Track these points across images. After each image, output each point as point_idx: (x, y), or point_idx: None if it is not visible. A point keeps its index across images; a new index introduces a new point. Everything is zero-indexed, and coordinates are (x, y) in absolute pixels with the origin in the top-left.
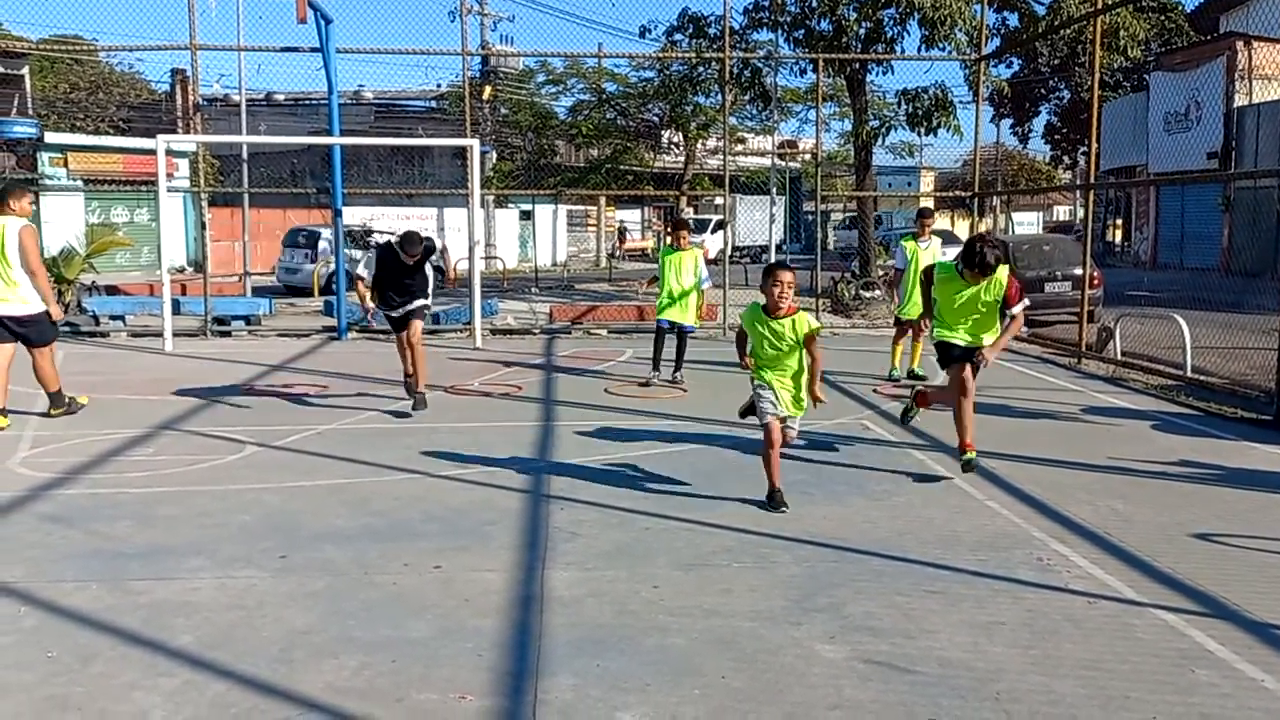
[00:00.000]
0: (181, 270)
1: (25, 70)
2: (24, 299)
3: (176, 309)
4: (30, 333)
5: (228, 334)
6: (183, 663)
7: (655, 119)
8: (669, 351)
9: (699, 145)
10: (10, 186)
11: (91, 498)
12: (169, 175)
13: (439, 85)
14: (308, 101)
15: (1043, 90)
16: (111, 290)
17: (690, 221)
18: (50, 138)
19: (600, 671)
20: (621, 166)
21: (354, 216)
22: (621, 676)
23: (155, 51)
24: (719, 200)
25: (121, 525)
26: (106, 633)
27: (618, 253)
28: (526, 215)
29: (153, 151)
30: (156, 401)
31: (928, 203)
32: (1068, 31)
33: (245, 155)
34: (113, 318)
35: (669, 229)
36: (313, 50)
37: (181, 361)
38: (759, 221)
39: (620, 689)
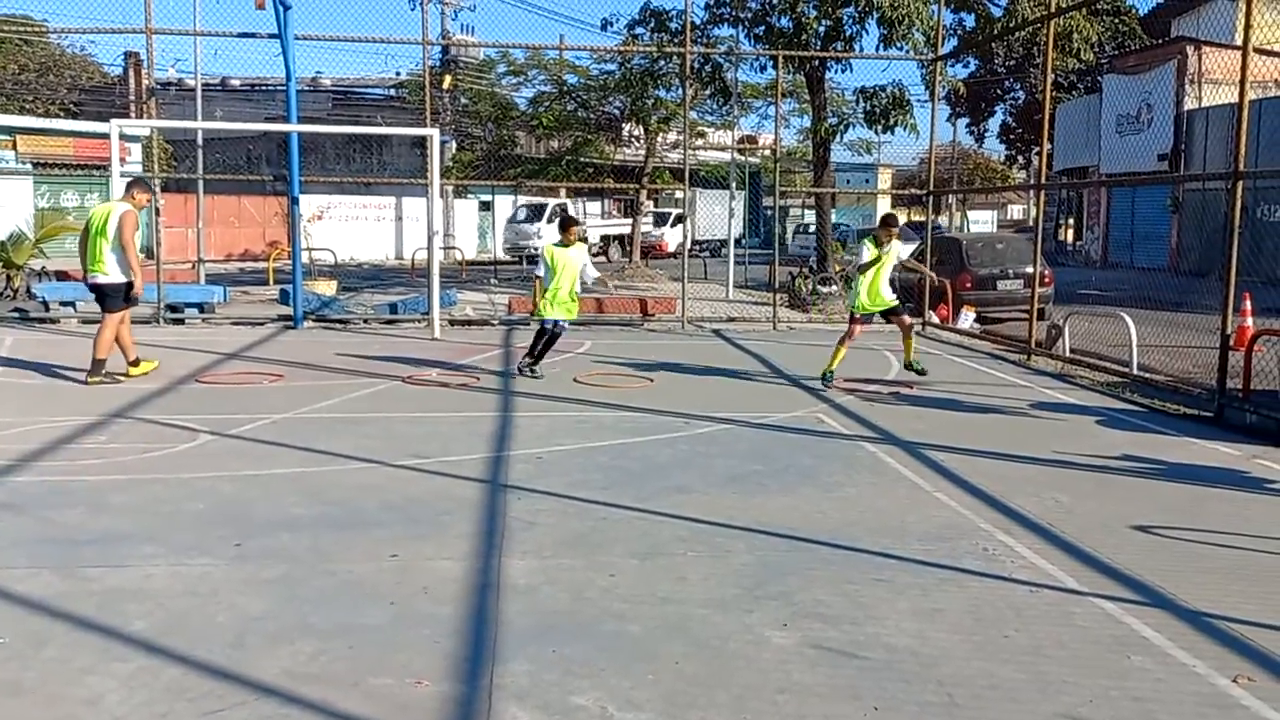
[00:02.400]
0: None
1: None
2: (106, 270)
3: None
4: (106, 299)
5: (181, 321)
6: (137, 648)
7: (616, 112)
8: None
9: (659, 139)
10: (136, 180)
11: (43, 485)
12: (121, 160)
13: (398, 73)
14: (264, 87)
15: (998, 91)
16: (61, 276)
17: (579, 218)
18: None
19: (555, 657)
20: (582, 159)
21: (310, 204)
22: (576, 662)
23: (109, 34)
24: (679, 194)
25: (74, 513)
26: (59, 619)
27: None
28: (486, 206)
29: (105, 136)
30: (108, 389)
31: (894, 209)
32: (1023, 33)
33: (200, 141)
34: (63, 304)
35: (560, 227)
36: (271, 36)
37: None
38: (718, 216)
39: (575, 674)
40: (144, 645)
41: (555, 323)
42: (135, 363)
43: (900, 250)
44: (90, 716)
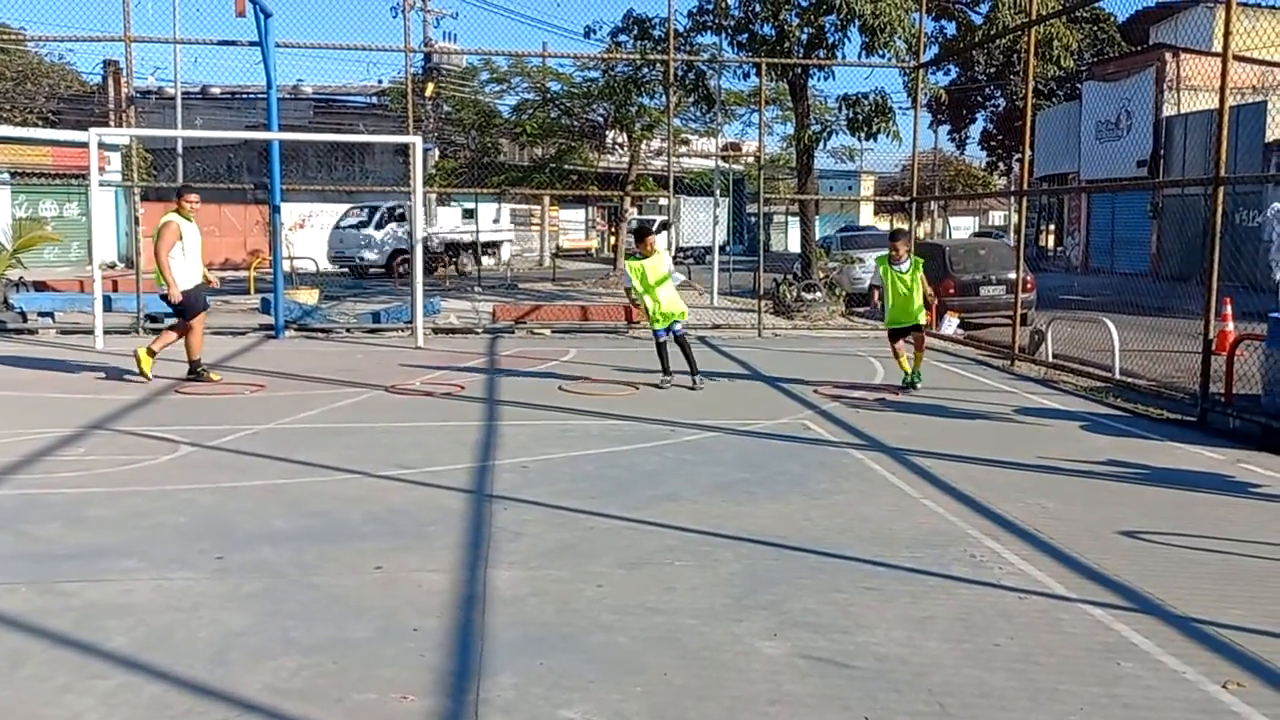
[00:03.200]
0: (113, 266)
1: None
2: (159, 281)
3: (108, 306)
4: (173, 310)
5: (160, 332)
6: (117, 665)
7: (600, 119)
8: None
9: (643, 146)
10: (182, 187)
11: (20, 498)
12: (100, 169)
13: (380, 81)
14: (245, 95)
15: (979, 98)
16: (40, 286)
17: (651, 228)
18: None
19: (543, 670)
20: (566, 166)
21: (292, 212)
22: (564, 675)
23: (88, 43)
24: (663, 201)
25: (52, 526)
26: (37, 635)
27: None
28: (469, 214)
29: (83, 144)
30: (87, 400)
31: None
32: (1003, 41)
33: (180, 149)
34: (41, 314)
35: (636, 238)
36: (251, 44)
37: (113, 360)
38: (702, 223)
39: (563, 687)
40: (124, 662)
41: (666, 331)
42: (150, 352)
43: (919, 262)
44: None
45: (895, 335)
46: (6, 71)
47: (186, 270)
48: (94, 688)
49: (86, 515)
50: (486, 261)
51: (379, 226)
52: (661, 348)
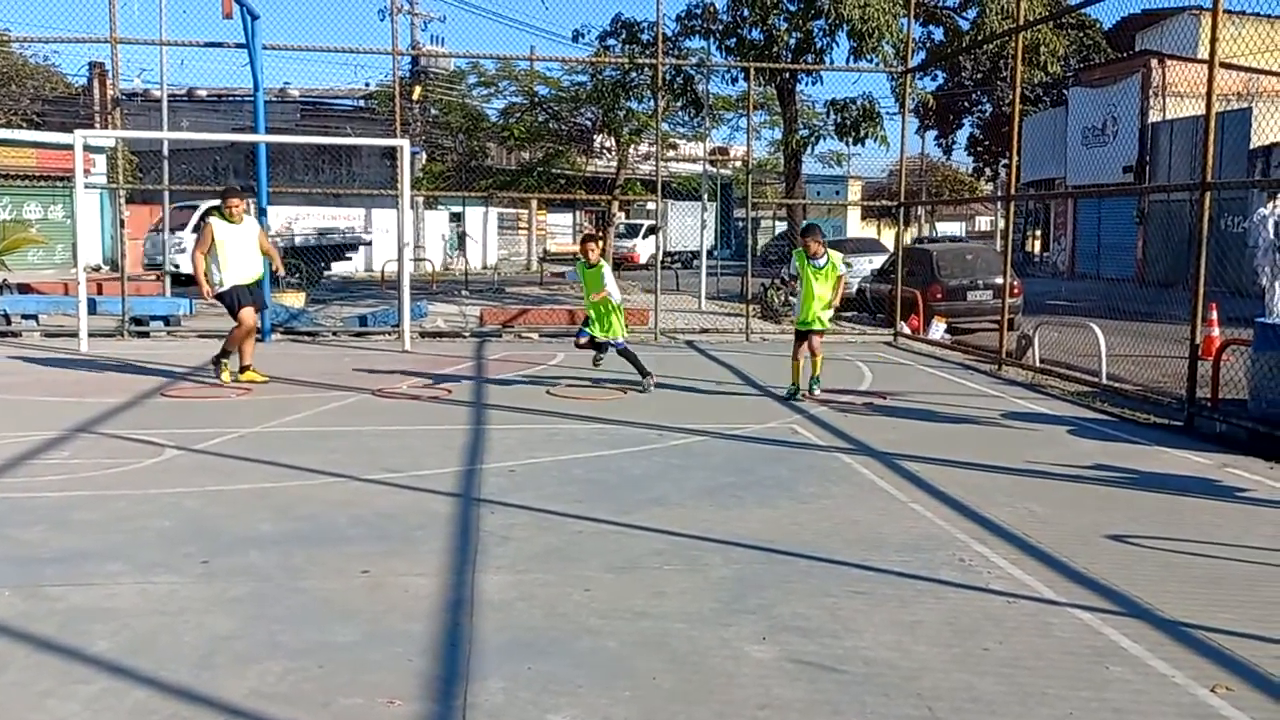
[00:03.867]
0: (97, 269)
1: None
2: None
3: (93, 308)
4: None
5: (146, 334)
6: (101, 669)
7: (588, 123)
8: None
9: (631, 150)
10: (225, 189)
11: (4, 502)
12: (86, 171)
13: (367, 84)
14: (231, 98)
15: (966, 103)
16: (24, 289)
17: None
18: None
19: (531, 674)
20: (554, 170)
21: (279, 216)
22: (552, 679)
23: (73, 44)
24: (651, 205)
25: (35, 530)
26: (19, 640)
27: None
28: (456, 217)
29: (69, 147)
30: (71, 403)
31: (864, 220)
32: (990, 46)
33: (166, 152)
34: (25, 317)
35: (582, 242)
36: (238, 46)
37: (97, 363)
38: (690, 227)
39: (551, 691)
40: (108, 666)
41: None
42: (224, 355)
43: (836, 263)
44: None
45: (803, 337)
46: None
47: (229, 271)
48: (77, 693)
49: (71, 519)
50: (342, 268)
51: (195, 231)
52: (627, 353)
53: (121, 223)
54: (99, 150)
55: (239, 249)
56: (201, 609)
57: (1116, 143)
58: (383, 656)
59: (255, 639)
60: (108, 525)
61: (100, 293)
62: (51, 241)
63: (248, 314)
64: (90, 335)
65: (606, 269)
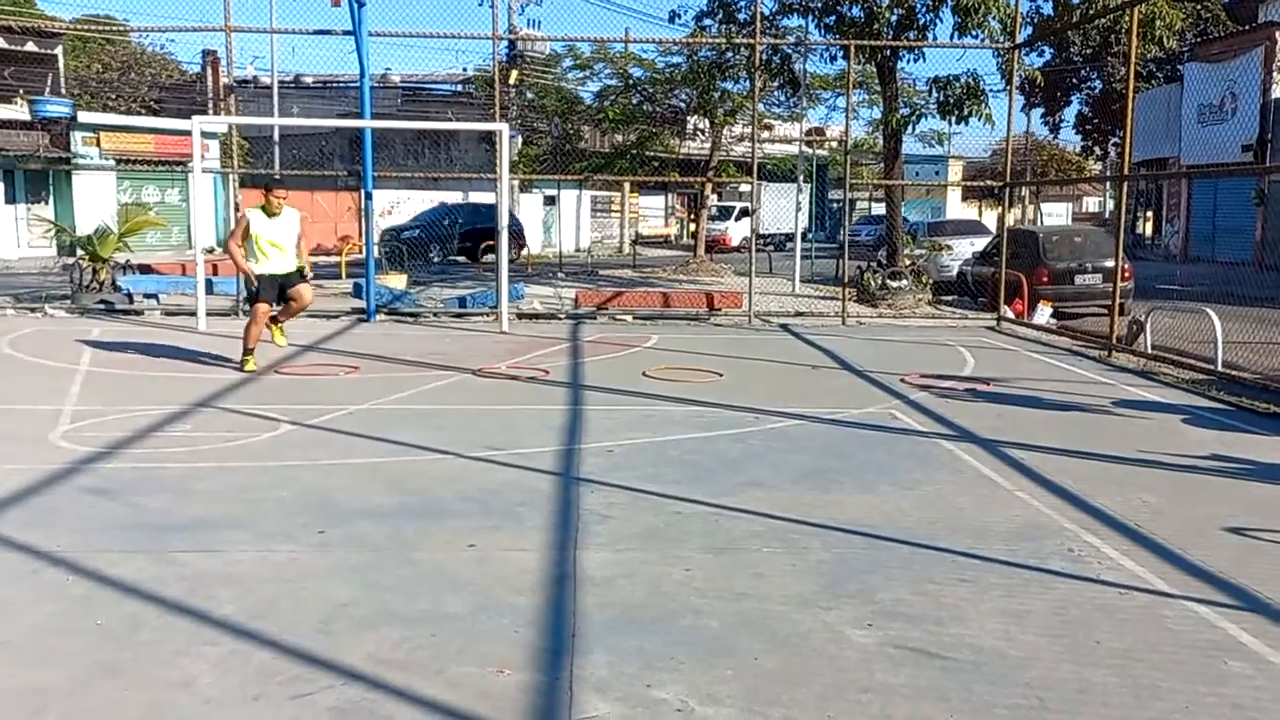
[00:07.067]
0: (211, 251)
1: (59, 50)
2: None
3: (209, 288)
4: None
5: None
6: (227, 632)
7: (682, 105)
8: None
9: (725, 132)
10: (269, 180)
11: (133, 471)
12: (201, 156)
13: (465, 69)
14: (335, 84)
15: (1074, 80)
16: (144, 269)
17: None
18: (83, 117)
19: (634, 650)
20: (647, 153)
21: (381, 199)
22: (655, 655)
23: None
24: (744, 187)
25: (162, 499)
26: (152, 602)
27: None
28: (551, 200)
29: (184, 132)
30: (191, 379)
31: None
32: (1102, 21)
33: (277, 137)
34: (146, 296)
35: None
36: (345, 33)
37: (215, 340)
38: (783, 209)
39: (654, 667)
40: (234, 629)
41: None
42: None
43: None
44: (184, 698)
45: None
46: (112, 62)
47: (261, 262)
48: (206, 654)
49: (194, 489)
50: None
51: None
52: None
53: (236, 206)
54: (212, 136)
55: (275, 240)
56: (320, 577)
57: (1235, 120)
58: (491, 627)
59: (371, 607)
60: (229, 495)
61: (215, 273)
62: (168, 224)
63: (262, 308)
64: (207, 314)
65: None
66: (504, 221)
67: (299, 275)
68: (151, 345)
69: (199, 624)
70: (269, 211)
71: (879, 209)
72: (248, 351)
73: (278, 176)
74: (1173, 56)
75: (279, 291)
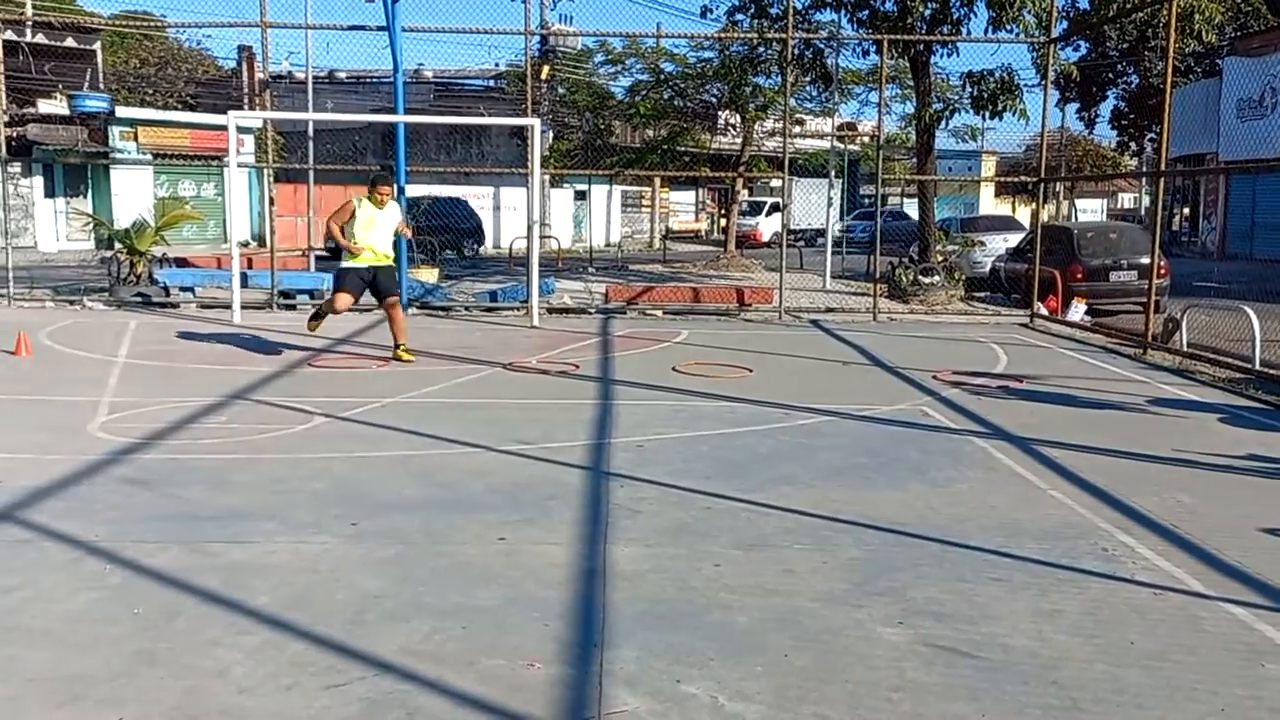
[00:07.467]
0: (246, 244)
1: (97, 45)
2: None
3: (244, 282)
4: None
5: (293, 307)
6: (261, 622)
7: (713, 100)
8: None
9: (756, 127)
10: (376, 176)
11: (168, 462)
12: (237, 151)
13: (497, 64)
14: (368, 79)
15: (1110, 74)
16: (181, 263)
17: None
18: (121, 112)
19: (664, 645)
20: (678, 148)
21: (412, 194)
22: (685, 651)
23: (223, 29)
24: (775, 183)
25: (197, 489)
26: (188, 592)
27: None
28: (581, 195)
29: (219, 127)
30: (226, 371)
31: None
32: (1140, 15)
33: (311, 132)
34: (182, 289)
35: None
36: (379, 29)
37: (249, 333)
38: (815, 204)
39: (684, 662)
40: (268, 619)
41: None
42: (398, 345)
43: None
44: (220, 687)
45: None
46: (149, 57)
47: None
48: (241, 643)
49: (229, 479)
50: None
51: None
52: None
53: (271, 200)
54: (247, 131)
55: (373, 231)
56: (352, 568)
57: (1276, 115)
58: (521, 620)
59: (402, 599)
60: (263, 486)
61: (250, 267)
62: (204, 218)
63: (343, 299)
64: (242, 307)
65: None
66: (535, 216)
67: (389, 273)
68: (187, 337)
69: (234, 614)
70: (376, 203)
71: (883, 205)
72: (315, 316)
73: (379, 166)
74: (1211, 51)
75: (366, 288)
